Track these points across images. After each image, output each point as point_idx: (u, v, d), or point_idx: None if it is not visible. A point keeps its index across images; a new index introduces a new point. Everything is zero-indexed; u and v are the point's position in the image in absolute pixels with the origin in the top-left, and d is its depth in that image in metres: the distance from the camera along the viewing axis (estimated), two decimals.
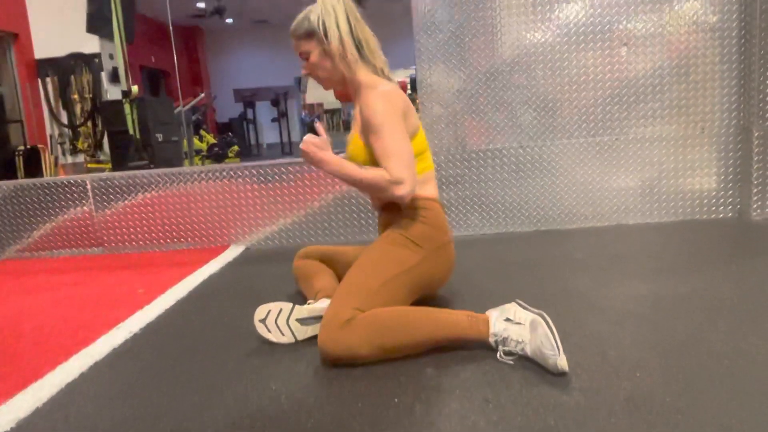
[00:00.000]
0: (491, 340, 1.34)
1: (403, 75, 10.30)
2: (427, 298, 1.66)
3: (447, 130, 2.81)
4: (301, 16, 1.59)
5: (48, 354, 1.60)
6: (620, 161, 2.77)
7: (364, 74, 1.57)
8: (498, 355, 1.32)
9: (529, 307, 1.35)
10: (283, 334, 1.54)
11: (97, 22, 6.80)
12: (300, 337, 1.54)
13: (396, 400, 1.17)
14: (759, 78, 2.58)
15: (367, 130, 1.50)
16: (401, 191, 1.43)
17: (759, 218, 2.66)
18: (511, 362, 1.30)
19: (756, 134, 2.61)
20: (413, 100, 3.68)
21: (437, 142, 2.81)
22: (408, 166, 1.44)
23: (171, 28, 6.24)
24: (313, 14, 1.56)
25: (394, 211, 1.59)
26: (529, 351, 1.29)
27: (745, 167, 2.70)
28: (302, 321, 1.54)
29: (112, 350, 1.61)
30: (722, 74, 2.69)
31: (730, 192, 2.76)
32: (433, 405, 1.14)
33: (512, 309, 1.36)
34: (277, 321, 1.54)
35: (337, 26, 1.53)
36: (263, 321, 1.54)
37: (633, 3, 2.67)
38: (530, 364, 1.28)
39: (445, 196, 2.83)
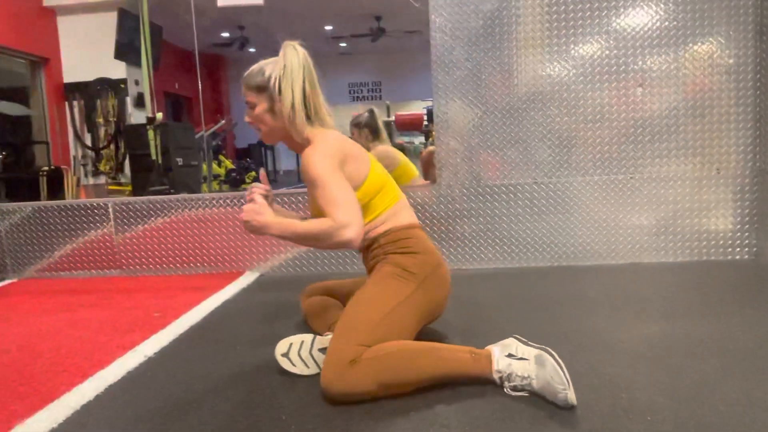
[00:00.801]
0: (496, 376, 1.34)
1: (420, 106, 10.45)
2: (429, 331, 1.67)
3: (462, 164, 2.84)
4: (257, 67, 1.62)
5: (64, 375, 1.63)
6: (635, 200, 2.78)
7: (309, 132, 1.59)
8: (506, 390, 1.33)
9: (530, 343, 1.36)
10: (308, 366, 1.54)
11: (125, 50, 7.05)
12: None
13: None
14: None
15: (309, 186, 1.51)
16: (348, 234, 1.39)
17: None
18: (524, 394, 1.31)
19: None
20: (429, 131, 3.71)
21: (453, 175, 2.84)
22: (351, 209, 1.42)
23: (197, 57, 6.42)
24: (268, 69, 1.59)
25: (376, 249, 1.61)
26: (536, 386, 1.29)
27: (761, 209, 2.69)
28: (324, 351, 1.54)
29: (126, 373, 1.63)
30: (737, 116, 2.71)
31: (747, 234, 2.75)
32: None
33: (513, 344, 1.37)
34: (300, 353, 1.55)
35: (292, 92, 1.55)
36: (286, 355, 1.55)
37: (649, 43, 2.71)
38: (539, 402, 1.28)
39: (460, 229, 2.85)
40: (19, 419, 1.35)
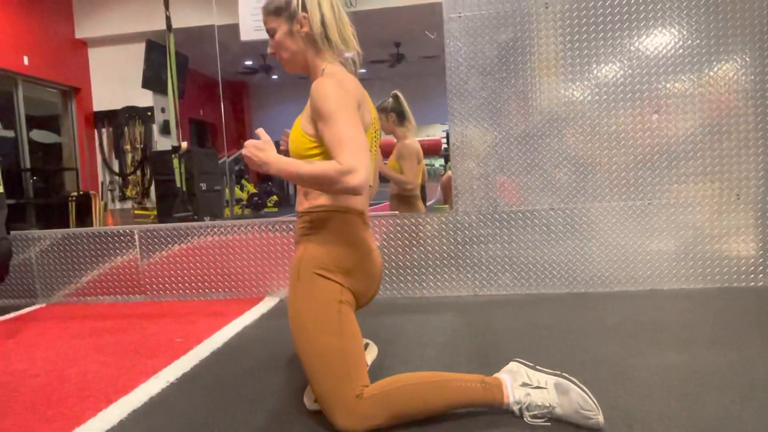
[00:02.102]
0: (515, 408, 1.35)
1: (439, 129, 10.54)
2: (443, 356, 1.68)
3: (479, 190, 2.87)
4: None
5: (90, 400, 1.68)
6: (654, 225, 2.77)
7: (328, 62, 1.52)
8: (526, 420, 1.34)
9: (537, 367, 1.38)
10: None
11: (152, 79, 7.31)
12: None
13: None
14: None
15: (317, 118, 1.39)
16: (354, 181, 1.27)
17: None
18: (545, 423, 1.32)
19: None
20: (448, 154, 3.76)
21: (469, 201, 2.87)
22: (361, 154, 1.30)
23: (220, 83, 6.62)
24: None
25: (305, 220, 1.52)
26: (560, 413, 1.31)
27: None
28: None
29: (149, 399, 1.68)
30: (756, 141, 2.70)
31: None
32: None
33: (522, 371, 1.38)
34: None
35: (320, 8, 1.48)
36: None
37: (665, 69, 2.73)
38: (555, 429, 1.28)
39: (477, 255, 2.87)
40: None
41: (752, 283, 2.72)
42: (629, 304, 2.51)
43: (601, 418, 1.26)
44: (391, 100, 3.30)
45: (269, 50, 1.60)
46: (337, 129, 1.33)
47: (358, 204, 1.52)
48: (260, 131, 1.44)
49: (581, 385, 1.29)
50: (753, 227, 2.73)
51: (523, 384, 1.36)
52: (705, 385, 1.54)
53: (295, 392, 1.62)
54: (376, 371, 1.68)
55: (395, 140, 3.35)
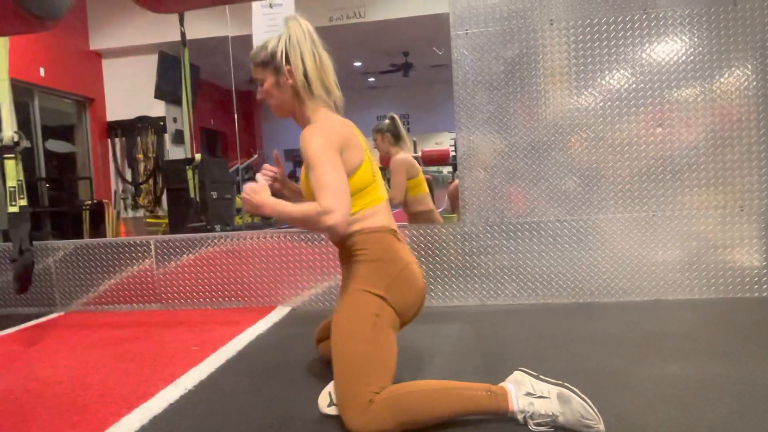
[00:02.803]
0: (519, 417, 1.41)
1: (448, 137, 10.61)
2: (450, 365, 1.74)
3: (486, 201, 2.94)
4: (261, 44, 1.68)
5: (113, 406, 1.76)
6: (658, 236, 2.82)
7: (316, 110, 1.65)
8: (530, 427, 1.40)
9: (541, 376, 1.45)
10: None
11: (165, 90, 7.45)
12: None
13: None
14: None
15: (306, 164, 1.54)
16: (330, 221, 1.42)
17: None
18: (549, 430, 1.38)
19: None
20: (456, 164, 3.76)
21: (476, 213, 2.94)
22: (338, 196, 1.45)
23: (234, 95, 6.74)
24: (271, 43, 1.64)
25: (347, 247, 1.66)
26: (562, 421, 1.37)
27: None
28: None
29: (168, 405, 1.75)
30: (759, 154, 2.75)
31: None
32: None
33: (526, 381, 1.44)
34: None
35: (302, 61, 1.60)
36: (331, 404, 1.59)
37: (668, 82, 2.79)
38: None
39: (483, 265, 2.93)
40: None
41: (756, 294, 2.76)
42: (633, 314, 2.56)
43: (601, 427, 1.32)
44: (387, 121, 3.53)
45: (258, 96, 1.73)
46: (318, 174, 1.47)
47: (385, 222, 1.66)
48: (276, 156, 1.64)
49: (582, 395, 1.35)
50: (757, 238, 2.77)
51: (527, 393, 1.42)
52: (704, 396, 1.59)
53: (308, 399, 1.69)
54: None
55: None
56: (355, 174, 1.60)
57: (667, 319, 2.46)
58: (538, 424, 1.39)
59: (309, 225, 1.51)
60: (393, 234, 1.67)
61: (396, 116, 3.56)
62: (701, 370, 1.79)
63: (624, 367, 1.85)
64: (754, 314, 2.50)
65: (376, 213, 1.66)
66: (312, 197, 1.52)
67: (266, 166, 1.70)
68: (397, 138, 3.50)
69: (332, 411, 1.59)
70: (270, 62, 1.65)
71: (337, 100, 1.68)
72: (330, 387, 1.64)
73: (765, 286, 2.76)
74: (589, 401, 1.34)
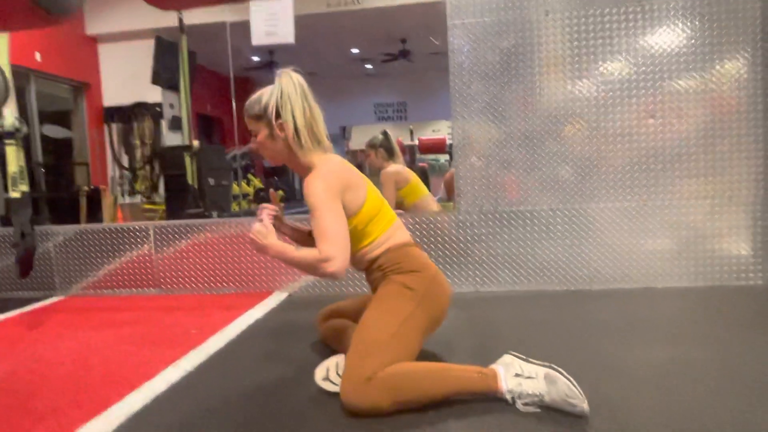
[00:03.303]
0: (507, 396, 1.47)
1: (445, 125, 10.63)
2: (444, 348, 1.80)
3: (480, 190, 2.98)
4: (255, 96, 1.75)
5: (115, 386, 1.81)
6: (649, 226, 2.87)
7: (312, 156, 1.72)
8: (518, 407, 1.46)
9: (529, 359, 1.51)
10: None
11: (162, 75, 7.43)
12: None
13: None
14: None
15: (310, 211, 1.63)
16: (330, 269, 1.53)
17: None
18: (535, 410, 1.45)
19: None
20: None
21: (471, 201, 2.99)
22: (338, 244, 1.56)
23: (232, 81, 6.73)
24: (264, 98, 1.71)
25: (376, 270, 1.75)
26: (548, 401, 1.43)
27: None
28: None
29: (169, 386, 1.81)
30: (748, 145, 2.80)
31: (759, 259, 2.81)
32: None
33: (515, 363, 1.51)
34: (339, 372, 1.69)
35: (293, 117, 1.68)
36: (326, 379, 1.68)
37: (660, 74, 2.83)
38: (544, 420, 1.40)
39: (477, 253, 2.98)
40: (80, 423, 1.53)
41: (743, 282, 2.83)
42: (623, 302, 2.63)
43: (585, 406, 1.38)
44: (381, 137, 3.57)
45: (252, 145, 1.81)
46: (318, 221, 1.58)
47: (405, 238, 1.79)
48: (273, 195, 1.79)
49: (568, 376, 1.41)
50: (744, 228, 2.83)
51: (515, 374, 1.49)
52: (685, 378, 1.65)
53: (305, 381, 1.75)
54: None
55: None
56: (363, 208, 1.70)
57: (655, 307, 2.53)
58: (526, 404, 1.45)
59: (310, 271, 1.61)
60: (416, 246, 1.80)
61: (388, 131, 3.62)
62: (684, 354, 1.86)
63: (610, 352, 1.92)
64: (740, 301, 2.56)
65: (395, 232, 1.78)
66: None
67: (267, 205, 1.77)
68: (390, 153, 3.54)
69: (325, 385, 1.66)
70: (263, 116, 1.72)
71: (327, 150, 1.76)
72: (328, 362, 1.70)
73: (752, 275, 2.83)
74: (574, 381, 1.40)
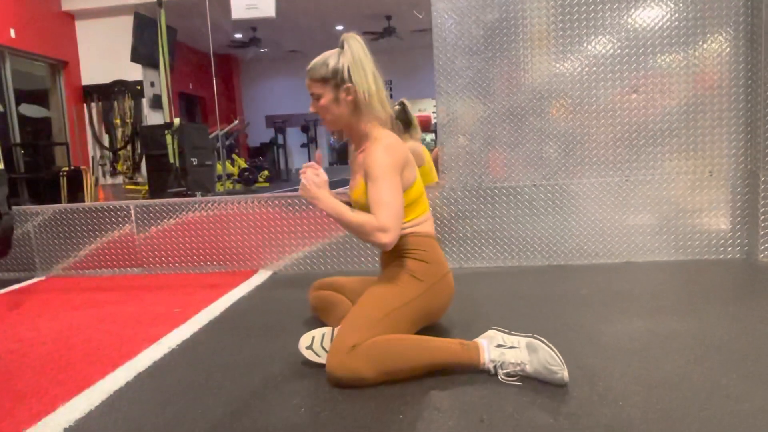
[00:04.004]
0: (490, 366, 1.49)
1: (431, 104, 10.58)
2: (430, 326, 1.82)
3: (465, 167, 2.98)
4: (320, 59, 1.70)
5: (97, 365, 1.80)
6: (630, 201, 2.90)
7: (372, 126, 1.72)
8: (500, 377, 1.48)
9: (512, 332, 1.53)
10: None
11: (141, 53, 7.27)
12: None
13: (401, 416, 1.33)
14: (764, 125, 2.69)
15: (367, 177, 1.65)
16: (384, 239, 1.56)
17: (766, 260, 2.74)
18: (516, 382, 1.46)
19: (762, 179, 2.72)
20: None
21: (455, 178, 2.98)
22: (395, 217, 1.58)
23: (212, 58, 6.60)
24: (332, 61, 1.67)
25: (397, 246, 1.73)
26: (530, 370, 1.45)
27: (752, 210, 2.80)
28: None
29: (152, 363, 1.80)
30: (729, 120, 2.82)
31: (738, 233, 2.86)
32: (433, 422, 1.29)
33: (498, 336, 1.53)
34: (323, 344, 1.69)
35: (366, 81, 1.66)
36: (310, 347, 1.69)
37: (644, 49, 2.83)
38: (525, 389, 1.42)
39: (461, 229, 2.99)
40: (61, 401, 1.52)
41: (722, 256, 2.88)
42: (604, 276, 2.66)
43: (565, 374, 1.41)
44: (398, 107, 3.35)
45: (311, 109, 1.77)
46: (379, 191, 1.59)
47: (432, 230, 1.81)
48: (318, 157, 1.74)
49: (549, 344, 1.43)
50: (724, 203, 2.87)
51: (498, 345, 1.50)
52: (664, 349, 1.68)
53: (289, 357, 1.75)
54: None
55: None
56: (411, 188, 1.72)
57: (636, 280, 2.56)
58: (507, 374, 1.47)
59: (360, 233, 1.61)
60: (438, 242, 1.84)
61: (406, 102, 3.39)
62: (663, 326, 1.89)
63: (591, 324, 1.94)
64: (719, 275, 2.61)
65: (426, 221, 1.79)
66: (362, 206, 1.68)
67: (312, 164, 1.72)
68: (407, 125, 3.34)
69: (307, 353, 1.67)
70: (331, 79, 1.69)
71: (389, 116, 1.76)
72: (316, 331, 1.70)
73: (730, 248, 2.87)
74: (554, 349, 1.42)
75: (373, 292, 1.68)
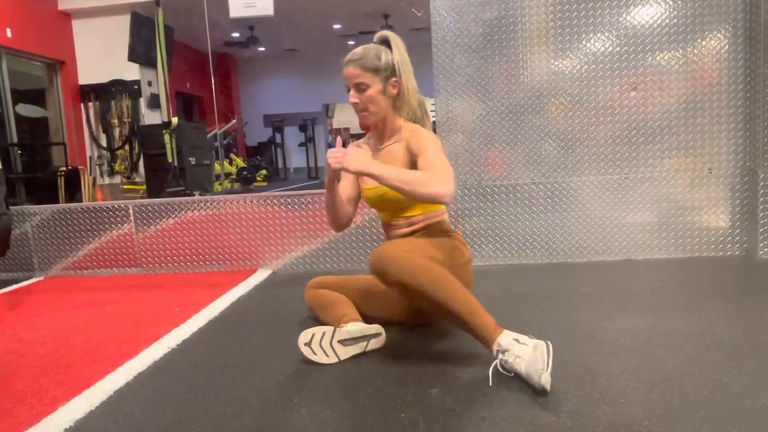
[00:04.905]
0: (495, 348, 1.47)
1: (429, 103, 10.57)
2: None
3: (464, 165, 2.98)
4: (369, 51, 1.76)
5: (97, 365, 1.80)
6: (630, 198, 2.90)
7: (404, 120, 1.84)
8: (494, 364, 1.46)
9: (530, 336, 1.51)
10: (327, 356, 1.68)
11: (139, 52, 7.25)
12: (342, 357, 1.68)
13: (402, 415, 1.32)
14: (763, 123, 2.69)
15: (418, 153, 1.71)
16: (446, 189, 1.57)
17: (765, 257, 2.74)
18: (508, 374, 1.46)
19: (762, 176, 2.72)
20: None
21: (454, 176, 2.97)
22: (451, 177, 1.62)
23: (210, 57, 6.59)
24: (384, 55, 1.75)
25: (425, 231, 1.84)
26: (523, 368, 1.41)
27: (752, 207, 2.81)
28: (344, 342, 1.69)
29: (152, 363, 1.80)
30: (728, 118, 2.82)
31: (738, 231, 2.86)
32: (435, 420, 1.29)
33: (523, 336, 1.50)
34: (321, 343, 1.68)
35: (411, 78, 1.79)
36: (308, 344, 1.68)
37: (642, 47, 2.82)
38: (526, 388, 1.42)
39: (461, 227, 2.99)
40: (61, 402, 1.51)
41: (721, 253, 2.88)
42: (604, 273, 2.66)
43: (545, 376, 1.35)
44: None
45: (353, 100, 1.79)
46: (435, 159, 1.66)
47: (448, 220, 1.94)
48: (339, 141, 1.75)
49: (550, 349, 1.41)
50: (723, 200, 2.87)
51: (515, 339, 1.48)
52: (665, 346, 1.68)
53: (289, 355, 1.74)
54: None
55: None
56: None
57: (636, 278, 2.57)
58: (504, 363, 1.45)
59: (423, 185, 1.58)
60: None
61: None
62: (664, 323, 1.89)
63: (591, 322, 1.94)
64: (718, 272, 2.61)
65: (445, 213, 1.93)
66: (390, 200, 1.80)
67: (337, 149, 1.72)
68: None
69: (305, 350, 1.67)
70: (383, 71, 1.75)
71: (417, 112, 1.88)
72: (316, 329, 1.69)
73: (729, 245, 2.87)
74: (550, 354, 1.40)
75: (433, 244, 1.76)
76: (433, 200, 1.63)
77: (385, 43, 1.79)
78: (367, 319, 1.83)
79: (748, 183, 2.82)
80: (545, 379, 1.35)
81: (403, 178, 1.60)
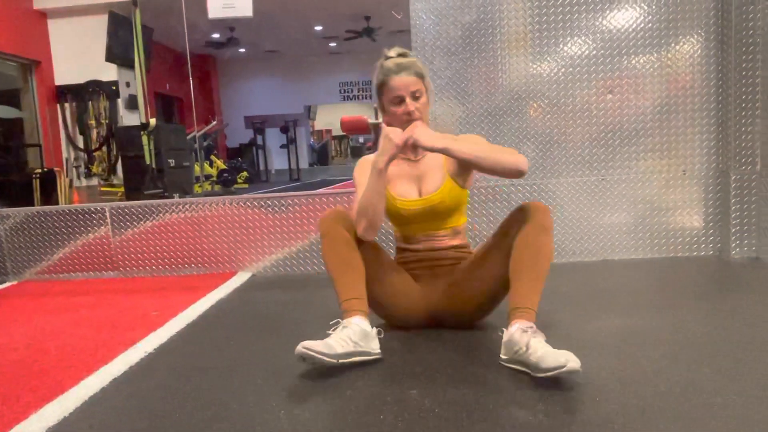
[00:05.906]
0: (521, 329, 1.53)
1: None
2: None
3: None
4: (410, 56, 1.77)
5: (71, 370, 1.76)
6: (606, 200, 2.94)
7: None
8: (519, 327, 1.54)
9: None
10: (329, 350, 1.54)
11: (116, 52, 7.15)
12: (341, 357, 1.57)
13: (381, 417, 1.32)
14: (735, 126, 2.76)
15: (475, 143, 1.74)
16: (526, 165, 1.63)
17: (738, 257, 2.81)
18: (515, 366, 1.51)
19: (733, 177, 2.78)
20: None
21: None
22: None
23: (189, 58, 6.52)
24: (418, 61, 1.76)
25: (452, 248, 1.87)
26: (533, 359, 1.45)
27: (724, 208, 2.87)
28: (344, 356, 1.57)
29: (128, 368, 1.77)
30: (701, 120, 2.88)
31: (711, 231, 2.92)
32: (414, 422, 1.29)
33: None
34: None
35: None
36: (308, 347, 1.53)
37: (618, 50, 2.87)
38: (504, 388, 1.43)
39: None
40: (33, 408, 1.48)
41: (695, 253, 2.94)
42: (582, 274, 2.69)
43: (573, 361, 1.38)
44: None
45: (409, 107, 1.69)
46: (487, 143, 1.75)
47: None
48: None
49: (557, 364, 1.41)
50: (697, 201, 2.93)
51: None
52: (640, 345, 1.71)
53: (268, 359, 1.73)
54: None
55: None
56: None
57: (612, 278, 2.60)
58: (516, 351, 1.50)
59: (504, 154, 1.62)
60: None
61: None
62: (640, 323, 1.92)
63: (570, 322, 1.97)
64: (692, 271, 2.66)
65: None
66: (445, 209, 1.80)
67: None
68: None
69: (302, 348, 1.57)
70: (425, 76, 1.76)
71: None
72: (309, 343, 1.55)
73: (703, 246, 2.93)
74: (539, 356, 1.44)
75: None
76: (517, 169, 1.58)
77: (404, 54, 1.80)
78: (371, 307, 1.73)
79: (720, 184, 2.88)
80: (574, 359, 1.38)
81: (479, 153, 1.60)
